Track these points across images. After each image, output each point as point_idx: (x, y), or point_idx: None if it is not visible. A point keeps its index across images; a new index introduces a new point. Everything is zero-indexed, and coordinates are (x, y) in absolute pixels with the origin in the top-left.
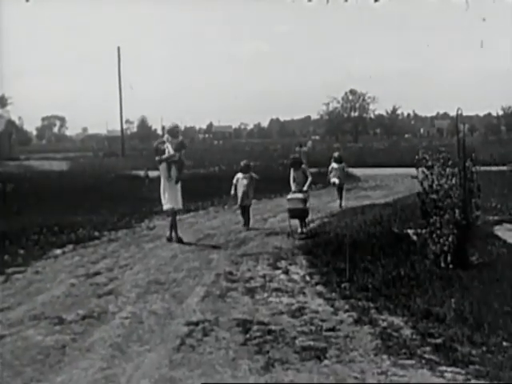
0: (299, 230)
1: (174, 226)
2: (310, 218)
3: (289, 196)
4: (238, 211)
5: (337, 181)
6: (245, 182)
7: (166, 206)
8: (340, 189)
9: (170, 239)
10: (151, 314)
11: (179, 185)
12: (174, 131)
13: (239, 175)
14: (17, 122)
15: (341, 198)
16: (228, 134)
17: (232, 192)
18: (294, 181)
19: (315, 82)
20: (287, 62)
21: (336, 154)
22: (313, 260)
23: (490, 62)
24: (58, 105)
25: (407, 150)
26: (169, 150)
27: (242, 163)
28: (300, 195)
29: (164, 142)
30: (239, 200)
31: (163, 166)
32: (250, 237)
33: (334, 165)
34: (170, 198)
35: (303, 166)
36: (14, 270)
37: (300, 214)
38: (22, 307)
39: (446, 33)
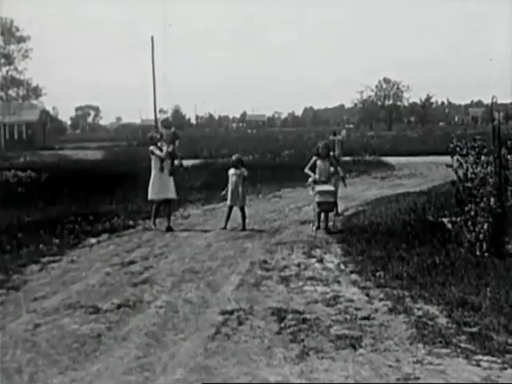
0: (330, 224)
1: (167, 216)
2: (344, 206)
3: (318, 188)
4: (273, 199)
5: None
6: (234, 178)
7: (154, 196)
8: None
9: (154, 226)
10: (186, 303)
11: (172, 177)
12: (167, 123)
13: (231, 171)
14: (51, 111)
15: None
16: (261, 123)
17: (223, 192)
18: (314, 171)
19: (349, 70)
20: (320, 50)
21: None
22: (347, 248)
23: None
24: (92, 94)
25: (441, 139)
26: (162, 144)
27: (234, 157)
28: (331, 188)
29: (159, 133)
30: (228, 200)
31: (155, 158)
32: (284, 225)
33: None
34: (160, 188)
35: (331, 154)
36: (49, 259)
37: (331, 207)
38: (57, 296)
39: (479, 19)
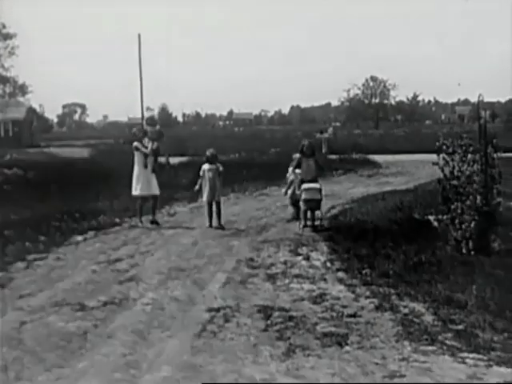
0: (316, 222)
1: (152, 212)
2: (331, 204)
3: (305, 185)
4: (260, 197)
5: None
6: (211, 174)
7: (138, 192)
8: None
9: (141, 223)
10: (172, 301)
11: (154, 173)
12: (151, 120)
13: (205, 166)
14: (38, 109)
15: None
16: (248, 121)
17: (197, 187)
18: (296, 170)
19: (336, 69)
20: (308, 49)
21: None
22: (334, 246)
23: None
24: (78, 92)
25: (428, 137)
26: (145, 141)
27: (208, 152)
28: (317, 185)
29: (143, 130)
30: (207, 195)
31: (139, 154)
32: (271, 223)
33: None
34: (143, 184)
35: (316, 154)
36: (35, 257)
37: (317, 205)
38: (43, 294)
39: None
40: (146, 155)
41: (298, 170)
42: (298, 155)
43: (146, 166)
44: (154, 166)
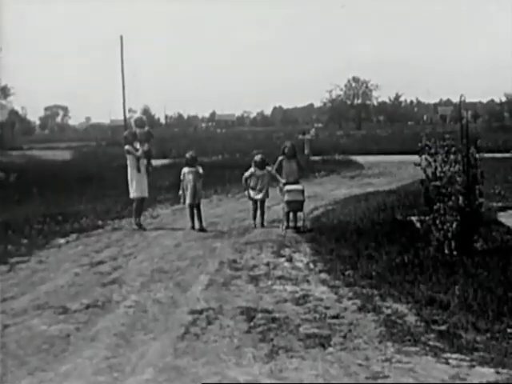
0: (299, 224)
1: (138, 212)
2: (313, 205)
3: (287, 187)
4: (242, 199)
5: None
6: (191, 176)
7: (134, 194)
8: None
9: (139, 225)
10: (155, 303)
11: (146, 175)
12: (140, 122)
13: (185, 169)
14: (20, 111)
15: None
16: (231, 123)
17: (180, 192)
18: (280, 171)
19: (318, 70)
20: (289, 49)
21: (258, 158)
22: (316, 247)
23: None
24: (60, 94)
25: (410, 137)
26: (136, 144)
27: (188, 155)
28: (299, 186)
29: (133, 133)
30: (188, 198)
31: (131, 158)
32: (253, 225)
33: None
34: (137, 187)
35: (298, 156)
36: (17, 260)
37: (300, 206)
38: (25, 297)
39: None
40: (138, 158)
41: (252, 169)
42: (280, 157)
43: (139, 170)
44: (148, 169)
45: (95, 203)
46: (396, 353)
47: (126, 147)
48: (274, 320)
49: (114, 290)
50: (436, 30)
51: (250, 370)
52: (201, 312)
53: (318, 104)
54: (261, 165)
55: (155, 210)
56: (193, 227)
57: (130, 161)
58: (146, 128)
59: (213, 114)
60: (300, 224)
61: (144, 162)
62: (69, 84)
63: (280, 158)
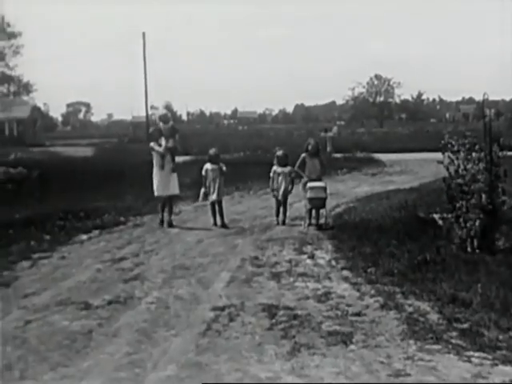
0: (321, 221)
1: (168, 212)
2: (335, 202)
3: (310, 184)
4: (264, 196)
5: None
6: (214, 173)
7: (159, 193)
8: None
9: (161, 223)
10: (177, 299)
11: (175, 173)
12: (165, 117)
13: (208, 166)
14: (42, 108)
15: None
16: (253, 120)
17: (202, 190)
18: (303, 168)
19: (340, 67)
20: (312, 47)
21: (280, 153)
22: (338, 245)
23: None
24: (83, 91)
25: (432, 135)
26: (161, 140)
27: (211, 152)
28: (322, 183)
29: (159, 129)
30: (211, 195)
31: (156, 155)
32: (275, 222)
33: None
34: (161, 185)
35: (321, 154)
36: (39, 256)
37: (322, 203)
38: (47, 292)
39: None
40: (162, 155)
41: (274, 167)
42: (303, 154)
43: (163, 167)
44: (172, 167)
45: (117, 200)
46: (418, 351)
47: (151, 144)
48: (295, 317)
49: (135, 286)
50: (459, 28)
51: (271, 366)
52: (223, 309)
53: (339, 102)
54: (283, 160)
55: (177, 207)
56: (215, 224)
57: (154, 158)
58: (171, 123)
59: (235, 111)
60: (322, 221)
61: (169, 158)
62: (91, 81)
63: (303, 155)
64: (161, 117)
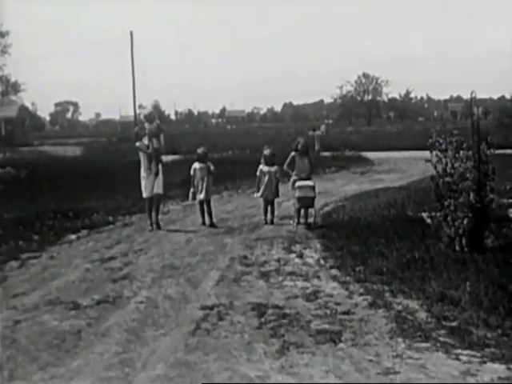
0: (310, 220)
1: (155, 212)
2: (324, 201)
3: (298, 183)
4: (253, 195)
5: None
6: (202, 172)
7: (144, 194)
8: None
9: (151, 225)
10: (166, 299)
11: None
12: (150, 117)
13: (196, 165)
14: (30, 107)
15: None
16: (241, 119)
17: (191, 190)
18: (292, 167)
19: (328, 66)
20: (299, 46)
21: (267, 152)
22: (327, 244)
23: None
24: (71, 90)
25: (421, 134)
26: (146, 139)
27: (200, 151)
28: (311, 182)
29: (145, 129)
30: (198, 194)
31: (143, 155)
32: (263, 222)
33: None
34: (147, 186)
35: (309, 152)
36: (28, 256)
37: (311, 202)
38: (37, 292)
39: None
40: (149, 157)
41: (261, 166)
42: (292, 153)
43: (149, 169)
44: (156, 169)
45: (106, 199)
46: (407, 349)
47: (137, 144)
48: (284, 316)
49: (124, 285)
50: (447, 27)
51: (260, 365)
52: (212, 308)
53: (328, 100)
54: (270, 160)
55: (166, 206)
56: (203, 223)
57: (141, 158)
58: (156, 123)
59: (223, 110)
60: (311, 220)
61: (155, 160)
62: (79, 80)
63: (292, 153)
64: (146, 116)
